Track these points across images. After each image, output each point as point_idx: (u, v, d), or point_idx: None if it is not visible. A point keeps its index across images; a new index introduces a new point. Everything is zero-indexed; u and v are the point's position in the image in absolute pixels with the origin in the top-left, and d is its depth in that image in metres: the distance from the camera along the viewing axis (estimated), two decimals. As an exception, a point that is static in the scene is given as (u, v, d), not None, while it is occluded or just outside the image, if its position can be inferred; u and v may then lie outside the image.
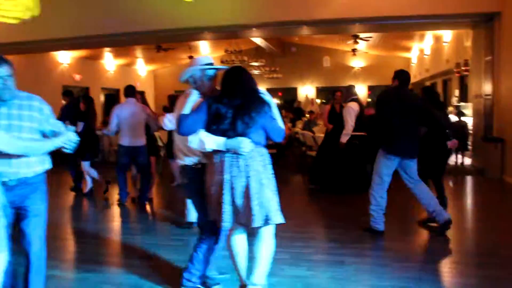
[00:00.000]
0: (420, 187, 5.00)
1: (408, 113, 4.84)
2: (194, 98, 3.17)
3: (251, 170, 2.94)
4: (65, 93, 8.43)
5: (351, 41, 14.86)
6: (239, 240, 3.19)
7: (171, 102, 6.50)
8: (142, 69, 21.36)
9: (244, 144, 2.91)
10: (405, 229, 5.35)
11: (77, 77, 16.83)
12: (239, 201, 2.96)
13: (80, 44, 12.00)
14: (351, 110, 7.06)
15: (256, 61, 17.22)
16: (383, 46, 16.03)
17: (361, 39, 14.41)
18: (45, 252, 2.94)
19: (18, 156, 2.70)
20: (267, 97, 3.11)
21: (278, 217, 2.99)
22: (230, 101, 2.98)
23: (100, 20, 9.66)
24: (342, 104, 7.44)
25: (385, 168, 4.91)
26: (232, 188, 2.96)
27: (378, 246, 4.74)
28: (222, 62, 17.17)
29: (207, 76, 3.28)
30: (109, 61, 18.81)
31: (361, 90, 18.07)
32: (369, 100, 17.99)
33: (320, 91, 19.91)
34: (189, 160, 3.35)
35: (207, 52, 18.91)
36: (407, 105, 4.88)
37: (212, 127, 2.99)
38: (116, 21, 9.54)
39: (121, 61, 19.18)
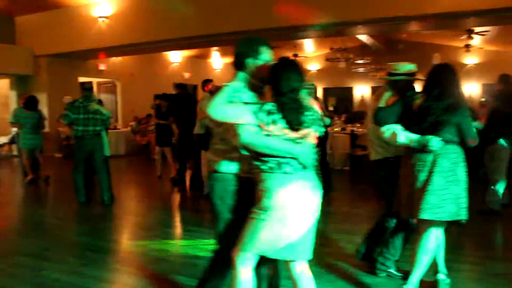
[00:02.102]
0: None
1: None
2: (388, 95, 3.50)
3: (437, 166, 3.05)
4: (179, 86, 8.54)
5: (464, 36, 13.95)
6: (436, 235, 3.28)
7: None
8: (248, 67, 21.88)
9: (433, 142, 3.01)
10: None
11: (186, 75, 17.73)
12: (416, 194, 3.09)
13: (189, 44, 12.64)
14: None
15: (361, 59, 16.84)
16: (502, 40, 14.83)
17: (476, 33, 13.46)
18: None
19: None
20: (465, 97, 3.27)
21: (463, 214, 3.07)
22: (431, 101, 3.11)
23: (208, 21, 10.08)
24: None
25: None
26: (414, 183, 3.11)
27: (491, 254, 4.45)
28: (327, 60, 17.07)
29: (408, 82, 3.55)
30: (216, 60, 19.57)
31: (475, 89, 16.91)
32: (483, 99, 16.73)
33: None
34: (380, 154, 3.65)
35: (312, 50, 18.88)
36: None
37: (405, 123, 3.19)
38: (223, 21, 9.90)
39: (227, 59, 19.82)
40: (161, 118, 8.53)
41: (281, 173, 2.38)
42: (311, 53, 19.37)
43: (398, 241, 3.63)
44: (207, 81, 7.28)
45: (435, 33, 15.18)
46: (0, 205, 6.59)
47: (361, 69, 17.80)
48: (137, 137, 13.60)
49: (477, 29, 13.04)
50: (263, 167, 2.42)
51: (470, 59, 17.33)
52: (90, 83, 6.90)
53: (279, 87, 2.41)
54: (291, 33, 11.24)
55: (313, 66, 20.60)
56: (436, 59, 17.39)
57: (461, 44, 15.71)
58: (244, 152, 2.47)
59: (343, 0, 8.79)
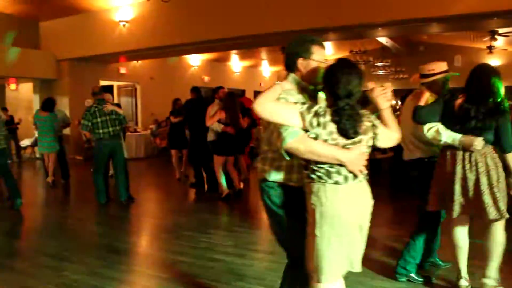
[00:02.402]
0: None
1: None
2: (427, 95, 3.52)
3: (482, 165, 3.09)
4: (193, 89, 8.67)
5: (487, 38, 13.72)
6: (462, 233, 3.37)
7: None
8: (267, 70, 21.93)
9: (477, 142, 3.06)
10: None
11: (206, 78, 17.84)
12: (471, 194, 3.12)
13: (209, 47, 12.71)
14: None
15: (381, 62, 16.72)
16: (526, 42, 14.56)
17: (499, 34, 13.23)
18: None
19: None
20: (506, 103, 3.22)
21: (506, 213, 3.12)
22: (473, 103, 3.13)
23: (227, 24, 10.11)
24: None
25: None
26: (463, 181, 3.14)
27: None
28: (345, 62, 16.95)
29: (447, 80, 3.64)
30: (235, 63, 19.65)
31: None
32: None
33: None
34: (415, 154, 3.65)
35: (331, 53, 18.81)
36: None
37: (447, 122, 3.21)
38: (242, 24, 9.92)
39: (246, 62, 19.92)
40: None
41: (331, 183, 2.20)
42: (329, 56, 19.27)
43: (419, 244, 3.58)
44: (218, 88, 7.38)
45: (457, 35, 14.99)
46: (22, 207, 6.69)
47: (381, 72, 17.65)
48: (157, 140, 13.71)
49: (500, 30, 12.82)
50: (312, 176, 2.24)
51: (492, 61, 17.03)
52: (98, 87, 7.24)
53: (335, 91, 2.20)
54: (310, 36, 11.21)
55: (332, 69, 20.51)
56: (458, 61, 17.20)
57: (484, 46, 15.47)
58: (287, 157, 2.29)
59: (362, 2, 8.72)
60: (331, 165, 2.19)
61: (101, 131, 6.56)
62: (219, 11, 10.19)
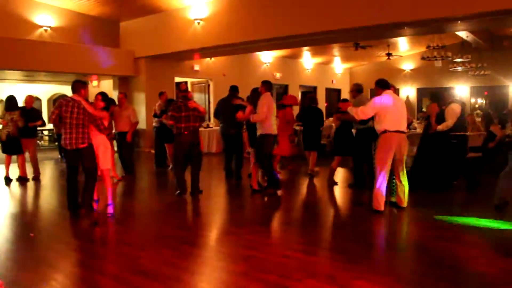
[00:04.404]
0: None
1: None
2: None
3: None
4: (231, 88, 8.73)
5: None
6: None
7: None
8: (339, 67, 21.61)
9: None
10: None
11: (278, 75, 17.88)
12: None
13: (282, 43, 12.71)
14: (451, 111, 7.17)
15: (460, 57, 15.92)
16: None
17: None
18: None
19: None
20: None
21: None
22: None
23: (301, 20, 10.05)
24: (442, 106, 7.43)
25: None
26: None
27: None
28: (422, 58, 16.35)
29: None
30: (307, 60, 19.53)
31: None
32: None
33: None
34: None
35: (406, 49, 18.21)
36: None
37: None
38: (316, 20, 9.82)
39: (318, 59, 19.73)
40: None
41: None
42: (405, 51, 18.66)
43: None
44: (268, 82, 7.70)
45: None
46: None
47: (459, 68, 16.82)
48: (229, 136, 13.90)
49: None
50: None
51: None
52: (186, 85, 7.50)
53: None
54: (386, 32, 10.89)
55: (407, 65, 19.86)
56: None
57: None
58: None
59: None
60: None
61: (183, 125, 6.86)
62: (293, 8, 10.17)
